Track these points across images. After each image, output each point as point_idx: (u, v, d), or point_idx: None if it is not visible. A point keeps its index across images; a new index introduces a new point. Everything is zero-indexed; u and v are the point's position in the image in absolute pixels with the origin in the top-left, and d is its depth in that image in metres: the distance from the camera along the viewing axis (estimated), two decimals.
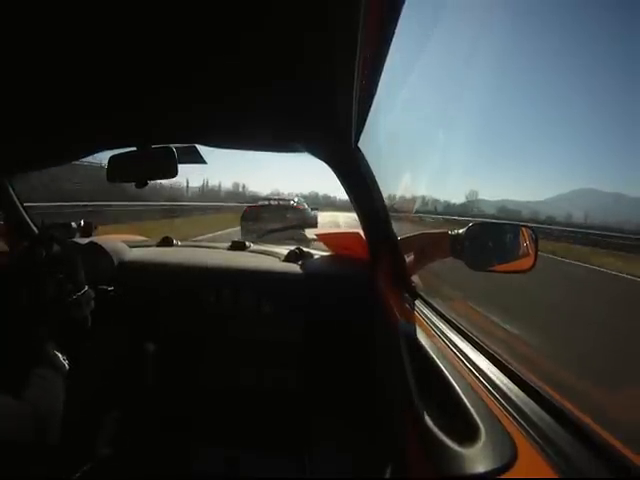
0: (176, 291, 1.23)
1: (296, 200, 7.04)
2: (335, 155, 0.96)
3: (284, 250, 1.36)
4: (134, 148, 0.98)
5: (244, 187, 64.25)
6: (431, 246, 0.97)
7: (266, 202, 6.80)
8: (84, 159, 1.21)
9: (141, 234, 1.87)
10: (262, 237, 2.22)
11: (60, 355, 0.70)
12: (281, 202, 6.54)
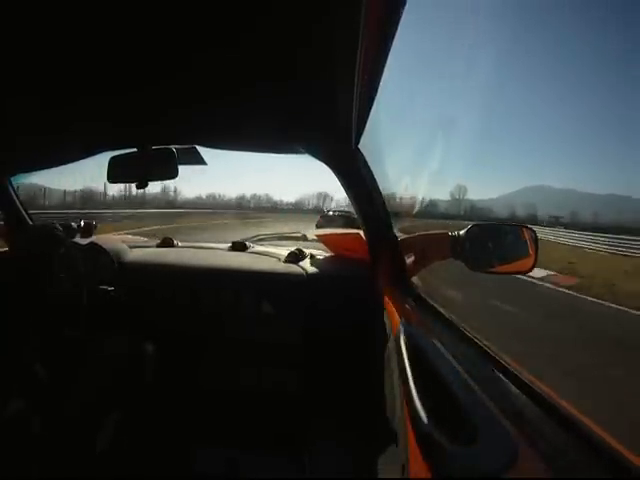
0: (176, 292, 1.23)
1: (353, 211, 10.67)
2: (335, 156, 0.96)
3: (284, 251, 1.36)
4: (134, 149, 0.98)
5: (220, 196, 55.65)
6: (431, 247, 0.97)
7: (330, 213, 10.13)
8: None
9: None
10: None
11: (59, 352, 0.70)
12: (344, 213, 9.51)
